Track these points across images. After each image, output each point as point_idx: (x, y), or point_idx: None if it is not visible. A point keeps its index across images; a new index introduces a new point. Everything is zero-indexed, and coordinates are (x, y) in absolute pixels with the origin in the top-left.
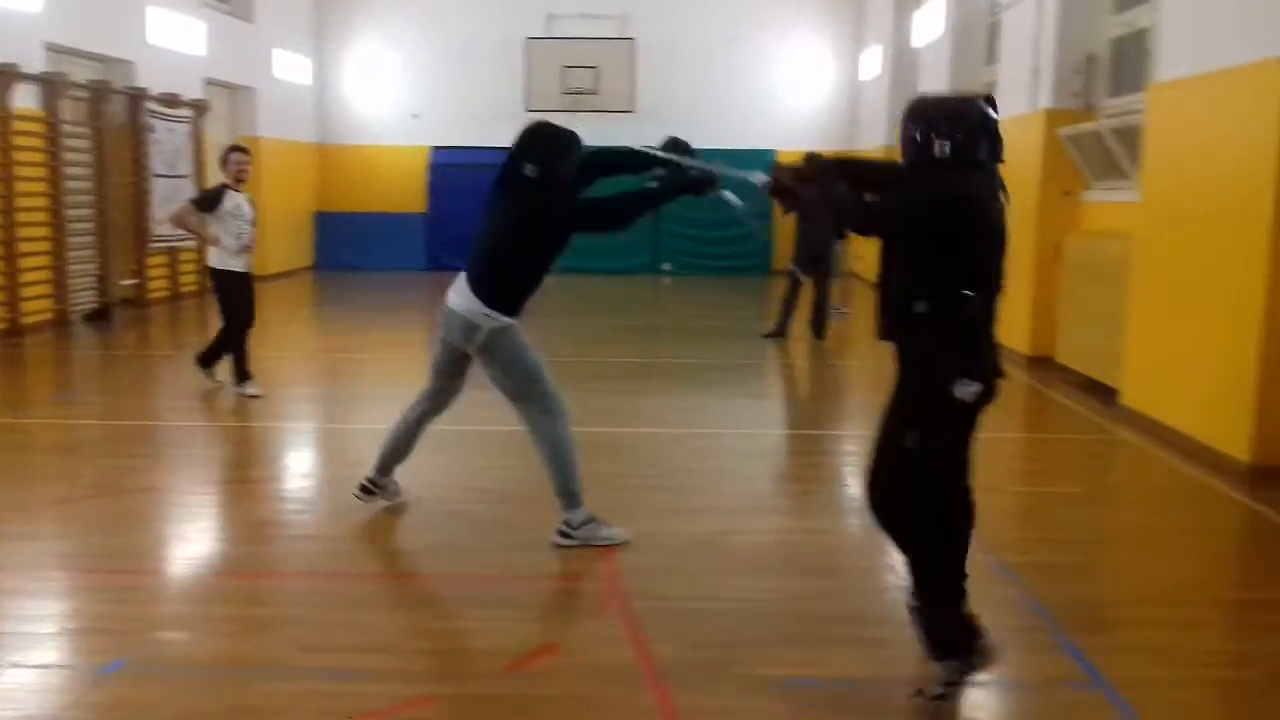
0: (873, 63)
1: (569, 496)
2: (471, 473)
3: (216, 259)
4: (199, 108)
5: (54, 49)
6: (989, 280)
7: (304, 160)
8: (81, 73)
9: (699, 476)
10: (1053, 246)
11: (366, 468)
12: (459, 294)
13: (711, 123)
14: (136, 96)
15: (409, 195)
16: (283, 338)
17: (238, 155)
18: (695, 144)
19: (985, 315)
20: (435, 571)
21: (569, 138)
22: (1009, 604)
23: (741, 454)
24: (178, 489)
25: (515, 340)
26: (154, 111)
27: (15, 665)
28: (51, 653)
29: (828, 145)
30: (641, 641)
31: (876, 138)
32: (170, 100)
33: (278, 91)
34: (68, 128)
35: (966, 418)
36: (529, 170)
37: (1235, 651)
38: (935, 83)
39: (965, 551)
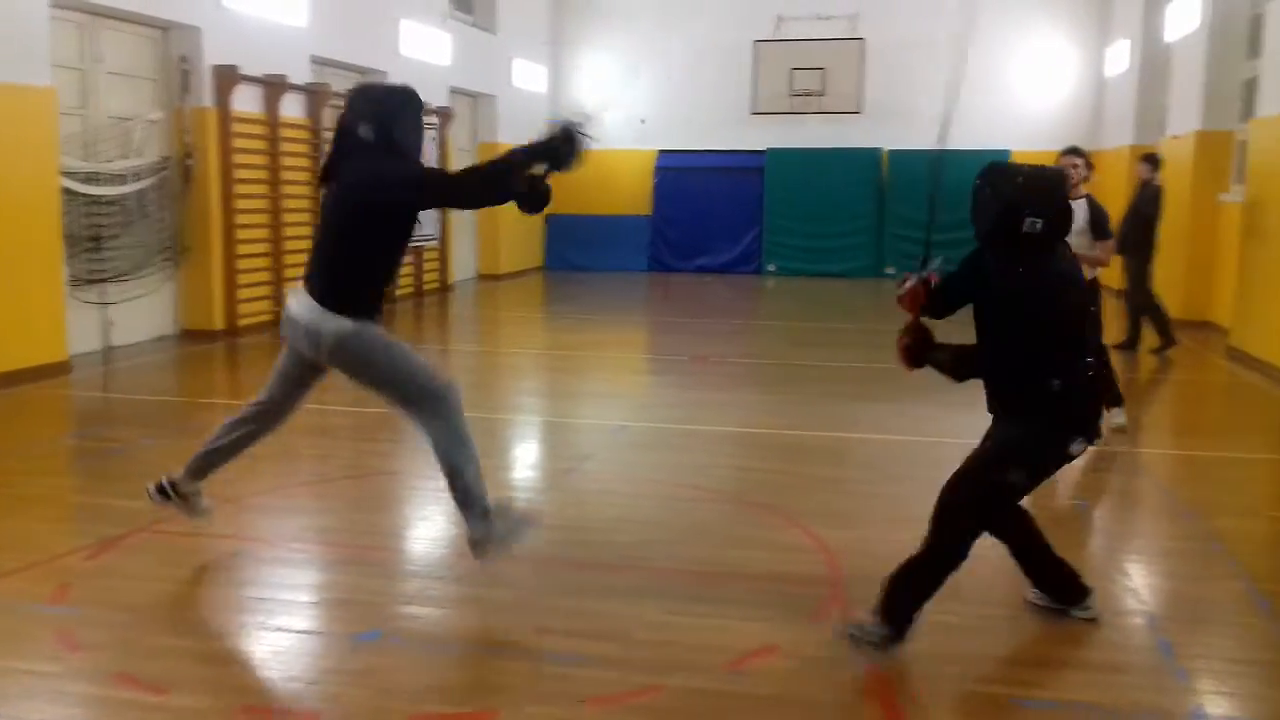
0: (1119, 58)
1: (474, 504)
2: (691, 470)
3: None
4: (444, 115)
5: (318, 61)
6: (1087, 341)
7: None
8: (341, 83)
9: (923, 485)
10: None
11: (595, 461)
12: (298, 299)
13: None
14: None
15: (635, 198)
16: (512, 335)
17: (1068, 159)
18: (927, 145)
19: (1094, 373)
20: (656, 565)
21: (405, 92)
22: (1262, 635)
23: None
24: (420, 473)
25: (372, 341)
26: None
27: (280, 629)
28: (311, 619)
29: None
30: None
31: (1123, 137)
32: None
33: (516, 99)
34: (328, 134)
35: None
36: (364, 132)
37: None
38: (1189, 80)
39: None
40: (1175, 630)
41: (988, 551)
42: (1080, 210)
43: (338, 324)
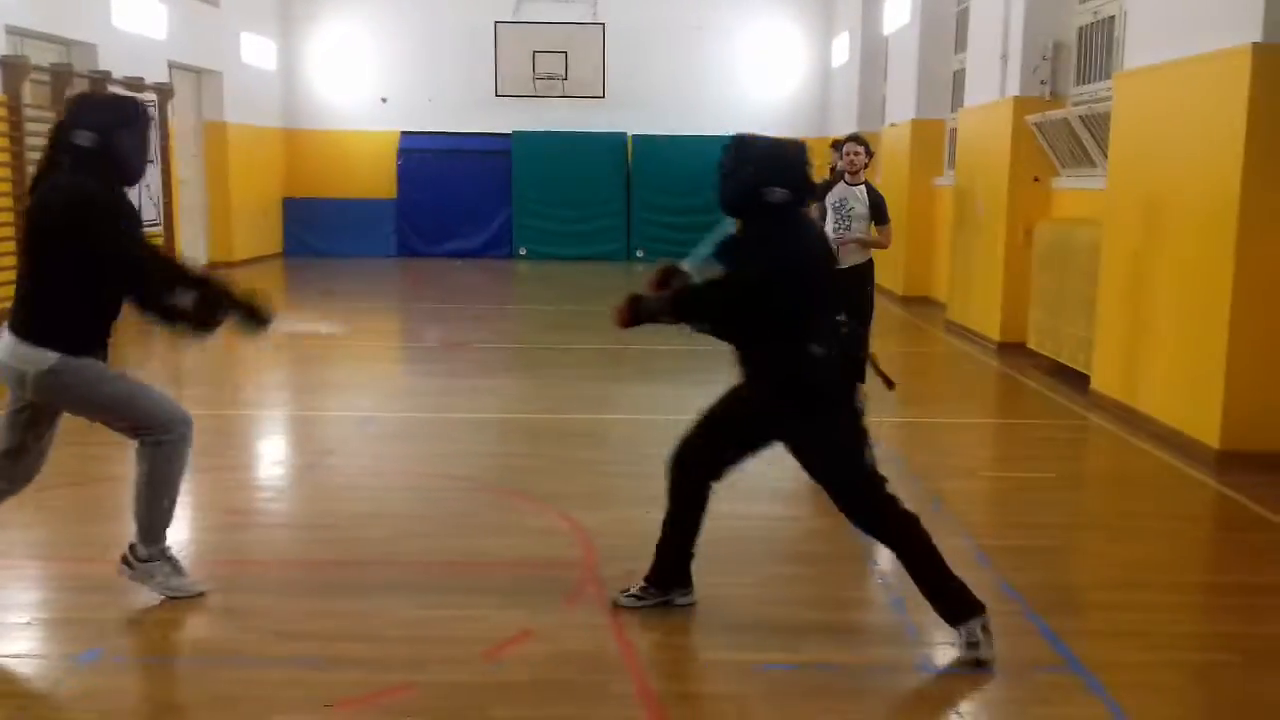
0: (842, 50)
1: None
2: (444, 459)
3: None
4: (163, 92)
5: (15, 31)
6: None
7: (271, 145)
8: (44, 56)
9: None
10: (1022, 233)
11: (340, 455)
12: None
13: (682, 109)
14: (100, 80)
15: (378, 181)
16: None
17: (850, 145)
18: (669, 130)
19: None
20: (409, 559)
21: (134, 104)
22: (981, 588)
23: None
24: None
25: (87, 375)
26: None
27: None
28: (24, 642)
29: (797, 133)
30: (618, 628)
31: (848, 125)
32: (134, 84)
33: (244, 76)
34: (30, 112)
35: None
36: (83, 139)
37: (1205, 634)
38: (905, 71)
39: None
40: (907, 588)
41: (726, 522)
42: (861, 195)
43: (40, 357)
